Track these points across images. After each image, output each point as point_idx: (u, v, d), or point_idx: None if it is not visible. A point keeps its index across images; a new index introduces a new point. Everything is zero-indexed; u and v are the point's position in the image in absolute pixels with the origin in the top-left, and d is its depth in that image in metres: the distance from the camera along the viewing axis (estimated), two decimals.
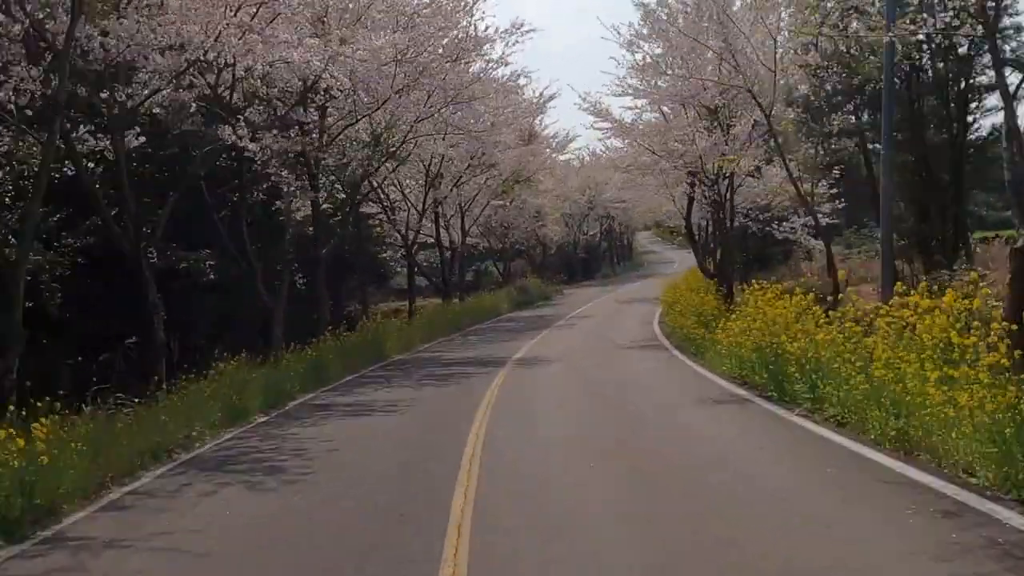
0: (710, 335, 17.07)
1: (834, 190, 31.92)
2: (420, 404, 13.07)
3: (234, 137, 15.30)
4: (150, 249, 13.16)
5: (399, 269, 35.72)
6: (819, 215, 32.37)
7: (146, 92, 13.95)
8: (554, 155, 39.91)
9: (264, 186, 21.71)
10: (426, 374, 17.16)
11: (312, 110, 20.87)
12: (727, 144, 18.47)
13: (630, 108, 24.66)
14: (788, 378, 10.58)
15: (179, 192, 14.88)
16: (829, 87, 20.96)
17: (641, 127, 23.56)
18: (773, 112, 15.60)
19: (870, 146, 27.71)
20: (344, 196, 24.19)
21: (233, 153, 17.62)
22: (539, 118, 35.87)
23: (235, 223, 18.61)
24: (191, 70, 14.64)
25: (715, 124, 18.92)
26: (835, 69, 19.22)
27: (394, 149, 23.22)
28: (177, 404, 11.11)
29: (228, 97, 17.30)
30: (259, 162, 17.93)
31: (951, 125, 24.96)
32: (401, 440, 10.28)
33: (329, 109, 21.15)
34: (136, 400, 11.30)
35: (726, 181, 20.88)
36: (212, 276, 19.33)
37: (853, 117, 26.09)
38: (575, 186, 53.83)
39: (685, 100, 19.69)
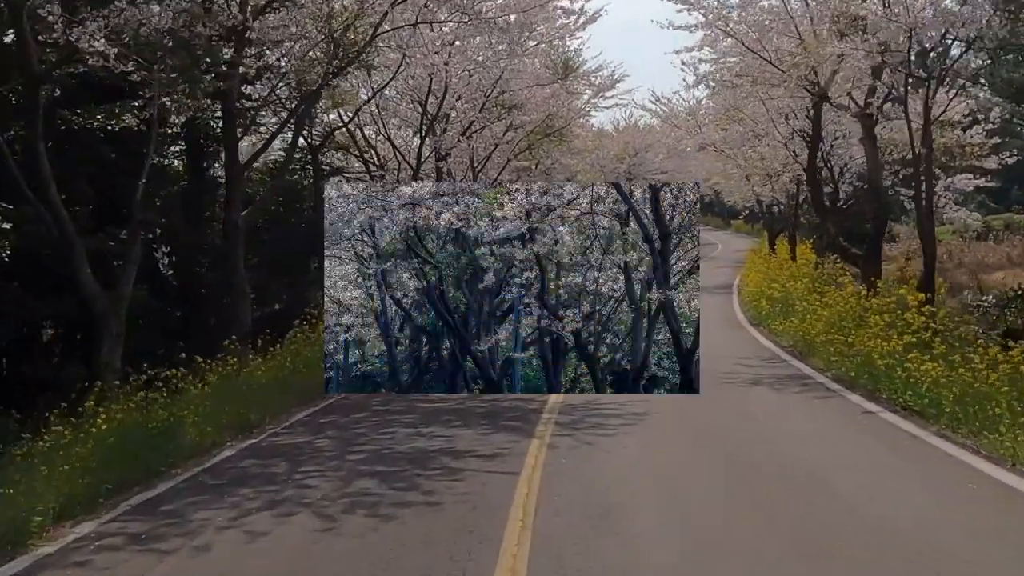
0: (962, 376, 8.31)
1: (995, 139, 22.98)
2: None
3: None
4: None
5: None
6: (969, 177, 23.78)
7: None
8: (595, 99, 30.48)
9: (134, 104, 13.13)
10: (373, 453, 8.30)
11: None
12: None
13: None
14: None
15: None
16: None
17: (753, 15, 14.65)
18: None
19: None
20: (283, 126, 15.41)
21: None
22: (577, 42, 26.67)
23: (36, 154, 9.95)
24: None
25: None
26: None
27: (357, 50, 14.35)
28: None
29: None
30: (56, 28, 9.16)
31: None
32: None
33: None
34: None
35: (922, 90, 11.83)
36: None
37: None
38: (613, 153, 45.06)
39: None
